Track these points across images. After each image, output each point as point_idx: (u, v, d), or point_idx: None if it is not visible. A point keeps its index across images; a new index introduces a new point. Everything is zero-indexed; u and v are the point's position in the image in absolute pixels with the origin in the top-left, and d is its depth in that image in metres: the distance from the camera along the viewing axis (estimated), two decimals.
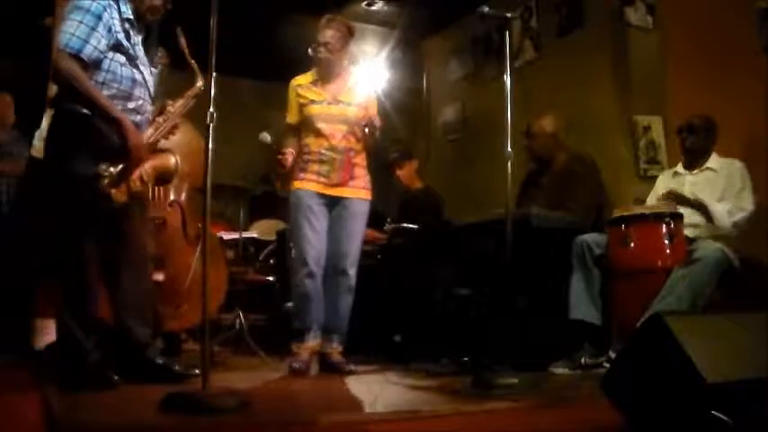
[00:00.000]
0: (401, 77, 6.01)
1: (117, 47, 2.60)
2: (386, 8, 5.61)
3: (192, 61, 2.83)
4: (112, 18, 2.58)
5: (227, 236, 4.68)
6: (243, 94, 5.85)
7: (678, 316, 1.84)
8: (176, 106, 2.83)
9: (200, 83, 2.86)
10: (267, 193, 5.16)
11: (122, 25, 2.63)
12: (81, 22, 2.51)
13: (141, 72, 2.72)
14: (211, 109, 2.23)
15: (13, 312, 3.88)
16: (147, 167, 2.70)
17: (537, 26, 4.88)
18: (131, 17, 2.68)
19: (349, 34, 3.37)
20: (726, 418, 1.54)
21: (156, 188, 3.51)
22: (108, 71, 2.59)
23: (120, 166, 2.58)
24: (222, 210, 5.08)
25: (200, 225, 3.31)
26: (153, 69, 2.85)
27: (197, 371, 2.66)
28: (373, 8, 5.60)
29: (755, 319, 1.86)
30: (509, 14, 3.06)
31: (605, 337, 3.32)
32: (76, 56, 2.50)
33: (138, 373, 2.64)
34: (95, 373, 2.52)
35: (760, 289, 3.12)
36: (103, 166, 2.54)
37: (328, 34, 3.29)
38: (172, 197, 3.64)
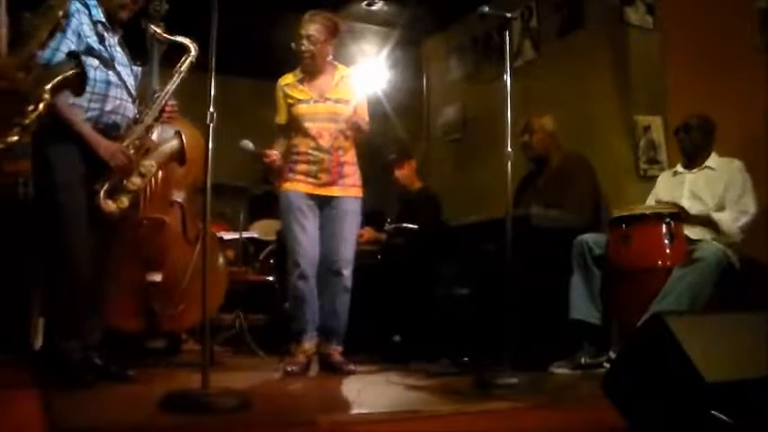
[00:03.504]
0: (401, 77, 6.01)
1: (89, 51, 2.62)
2: (386, 8, 5.59)
3: (175, 37, 2.76)
4: (81, 24, 2.61)
5: (227, 236, 4.68)
6: (242, 94, 5.85)
7: (678, 316, 1.84)
8: (165, 89, 2.77)
9: (193, 52, 2.78)
10: (267, 193, 5.15)
11: (95, 29, 2.66)
12: None
13: (118, 73, 2.72)
14: (211, 109, 2.23)
15: (13, 312, 3.89)
16: (146, 162, 2.69)
17: (537, 26, 4.88)
18: (103, 20, 2.69)
19: (334, 29, 3.34)
20: (726, 418, 1.54)
21: (156, 188, 3.51)
22: None
23: (106, 178, 2.58)
24: (222, 210, 5.07)
25: (200, 225, 3.30)
26: (134, 68, 2.84)
27: (131, 372, 2.69)
28: (373, 8, 5.59)
29: (755, 319, 1.86)
30: (509, 14, 3.06)
31: (605, 337, 3.32)
32: (47, 66, 2.52)
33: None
34: (76, 372, 2.52)
35: (760, 289, 3.12)
36: (98, 183, 2.56)
37: (311, 28, 3.28)
38: (173, 197, 3.62)
